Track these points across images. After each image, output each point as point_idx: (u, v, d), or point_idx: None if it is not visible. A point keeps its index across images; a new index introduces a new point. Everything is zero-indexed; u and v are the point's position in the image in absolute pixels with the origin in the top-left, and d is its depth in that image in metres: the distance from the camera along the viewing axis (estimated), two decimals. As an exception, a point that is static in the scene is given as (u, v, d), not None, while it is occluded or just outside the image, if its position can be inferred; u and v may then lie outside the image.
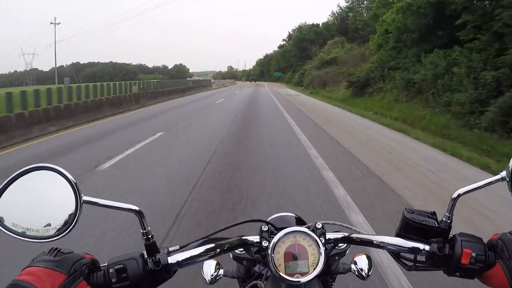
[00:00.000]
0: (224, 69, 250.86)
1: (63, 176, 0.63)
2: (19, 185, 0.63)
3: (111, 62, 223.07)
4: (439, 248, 0.71)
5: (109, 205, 0.66)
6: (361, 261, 0.94)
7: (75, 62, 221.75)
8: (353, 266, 0.94)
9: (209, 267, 0.97)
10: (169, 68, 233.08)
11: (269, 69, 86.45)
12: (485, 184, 0.70)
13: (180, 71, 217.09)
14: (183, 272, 0.73)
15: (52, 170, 0.63)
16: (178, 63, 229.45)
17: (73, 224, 0.63)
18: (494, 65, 8.56)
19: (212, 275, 0.96)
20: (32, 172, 0.64)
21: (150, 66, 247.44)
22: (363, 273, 0.92)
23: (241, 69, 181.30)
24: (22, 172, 0.63)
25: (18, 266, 0.62)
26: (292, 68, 58.32)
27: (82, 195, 0.63)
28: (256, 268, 0.94)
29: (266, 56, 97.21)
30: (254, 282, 0.91)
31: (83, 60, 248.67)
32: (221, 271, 0.98)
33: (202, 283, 0.97)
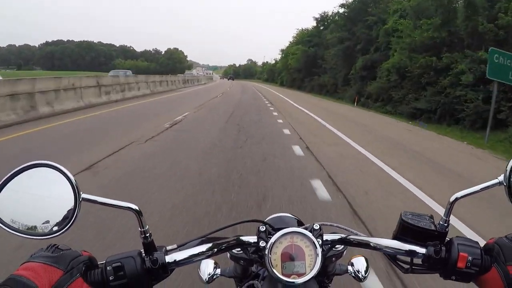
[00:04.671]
0: (243, 62, 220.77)
1: (62, 174, 0.74)
2: (18, 182, 0.73)
3: (84, 41, 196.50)
4: (436, 252, 0.82)
5: (107, 203, 0.77)
6: (358, 263, 1.07)
7: (50, 40, 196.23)
8: (350, 267, 1.07)
9: (206, 266, 1.09)
10: (163, 53, 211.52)
11: (316, 54, 43.26)
12: (482, 188, 0.82)
13: (172, 59, 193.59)
14: (180, 270, 0.86)
15: (51, 167, 0.74)
16: (172, 47, 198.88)
17: (72, 221, 0.73)
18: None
19: (209, 274, 1.08)
20: (31, 169, 0.74)
21: (139, 49, 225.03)
22: (360, 275, 1.06)
23: (262, 62, 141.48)
24: (21, 169, 0.73)
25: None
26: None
27: (81, 192, 0.74)
28: (253, 268, 1.08)
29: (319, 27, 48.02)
30: (251, 282, 1.03)
31: (67, 38, 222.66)
32: (218, 271, 1.10)
33: (199, 281, 1.10)
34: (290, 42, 64.19)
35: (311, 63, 45.00)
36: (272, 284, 0.88)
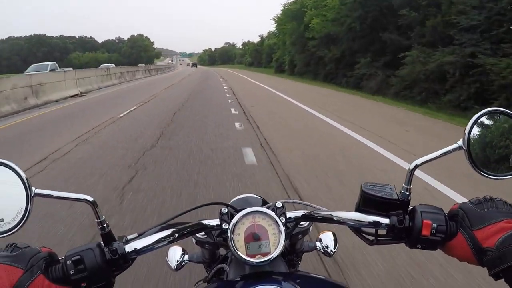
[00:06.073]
0: (220, 45, 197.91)
1: (12, 170, 0.73)
2: None
3: (35, 35, 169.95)
4: (399, 221, 0.80)
5: (62, 197, 0.77)
6: (327, 238, 1.06)
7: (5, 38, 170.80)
8: (318, 243, 1.07)
9: (174, 254, 1.07)
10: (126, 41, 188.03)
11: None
12: (442, 154, 0.80)
13: (136, 47, 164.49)
14: (151, 259, 0.86)
15: (1, 165, 0.74)
16: (136, 34, 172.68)
17: (25, 218, 0.73)
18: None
19: (177, 261, 1.07)
20: None
21: (101, 40, 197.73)
22: (329, 250, 1.06)
23: (243, 42, 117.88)
24: None
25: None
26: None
27: (34, 188, 0.74)
28: (221, 251, 1.08)
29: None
30: (219, 265, 1.01)
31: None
32: (186, 257, 1.09)
33: (168, 270, 1.08)
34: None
35: (374, 24, 18.93)
36: (239, 265, 0.88)
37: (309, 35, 26.57)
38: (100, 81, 24.59)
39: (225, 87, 22.88)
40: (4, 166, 0.74)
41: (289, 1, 35.31)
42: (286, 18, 34.89)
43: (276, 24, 43.79)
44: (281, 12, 39.44)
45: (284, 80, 30.48)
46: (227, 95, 18.04)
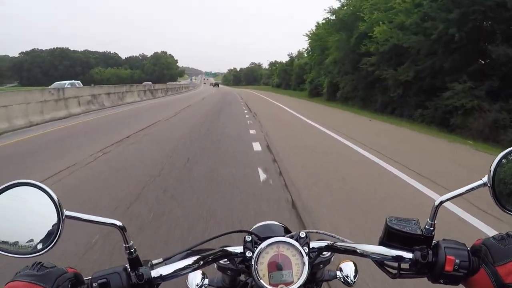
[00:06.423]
0: (245, 65, 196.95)
1: (44, 192, 0.75)
2: (1, 201, 0.74)
3: (58, 48, 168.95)
4: (423, 256, 0.81)
5: (91, 220, 0.78)
6: (347, 268, 1.07)
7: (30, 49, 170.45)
8: (338, 273, 1.07)
9: (194, 278, 1.08)
10: (150, 58, 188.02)
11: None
12: (467, 191, 0.82)
13: (159, 64, 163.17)
14: (167, 283, 0.84)
15: (34, 186, 0.75)
16: (159, 51, 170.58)
17: (56, 239, 0.75)
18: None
19: (197, 285, 1.07)
20: (14, 188, 0.75)
21: (125, 56, 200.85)
22: (349, 280, 1.05)
23: (270, 62, 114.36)
24: (3, 188, 0.75)
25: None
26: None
27: (64, 210, 0.76)
28: (242, 277, 1.07)
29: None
30: None
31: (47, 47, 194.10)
32: (206, 281, 1.09)
33: None
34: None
35: (473, 32, 12.95)
36: None
37: (369, 48, 19.87)
38: (38, 112, 15.39)
39: (251, 132, 12.18)
40: (36, 188, 0.74)
41: (333, 7, 28.33)
42: (331, 28, 28.18)
43: (310, 40, 38.47)
44: (316, 24, 35.35)
45: (346, 115, 19.73)
46: (275, 191, 5.64)
